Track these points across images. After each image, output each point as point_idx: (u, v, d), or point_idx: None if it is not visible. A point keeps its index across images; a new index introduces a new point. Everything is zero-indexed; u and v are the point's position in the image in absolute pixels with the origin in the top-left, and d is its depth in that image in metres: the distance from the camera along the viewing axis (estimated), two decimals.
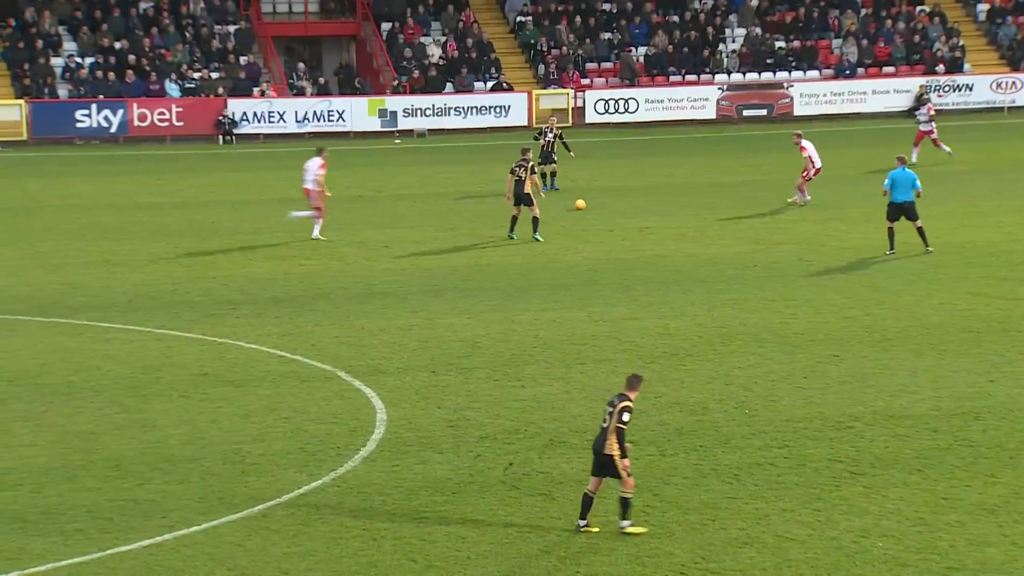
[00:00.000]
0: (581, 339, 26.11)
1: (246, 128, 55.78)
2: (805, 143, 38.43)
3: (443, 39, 61.32)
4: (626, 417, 17.03)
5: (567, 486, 18.94)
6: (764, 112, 58.83)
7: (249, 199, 42.55)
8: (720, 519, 17.74)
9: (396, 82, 58.52)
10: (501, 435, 20.99)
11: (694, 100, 59.19)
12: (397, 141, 55.87)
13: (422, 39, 61.14)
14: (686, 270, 31.64)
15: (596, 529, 17.40)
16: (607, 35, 62.26)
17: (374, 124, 56.91)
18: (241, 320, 27.79)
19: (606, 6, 63.49)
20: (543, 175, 41.17)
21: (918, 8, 64.47)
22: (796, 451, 19.84)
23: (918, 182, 31.97)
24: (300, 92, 57.96)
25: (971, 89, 60.16)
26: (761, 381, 23.40)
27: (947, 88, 59.96)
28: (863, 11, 64.31)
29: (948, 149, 45.60)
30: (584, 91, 58.86)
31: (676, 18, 63.09)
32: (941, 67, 61.09)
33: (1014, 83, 59.89)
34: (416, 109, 57.36)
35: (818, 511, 18.01)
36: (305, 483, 19.11)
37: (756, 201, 39.86)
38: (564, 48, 61.07)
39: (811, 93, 59.57)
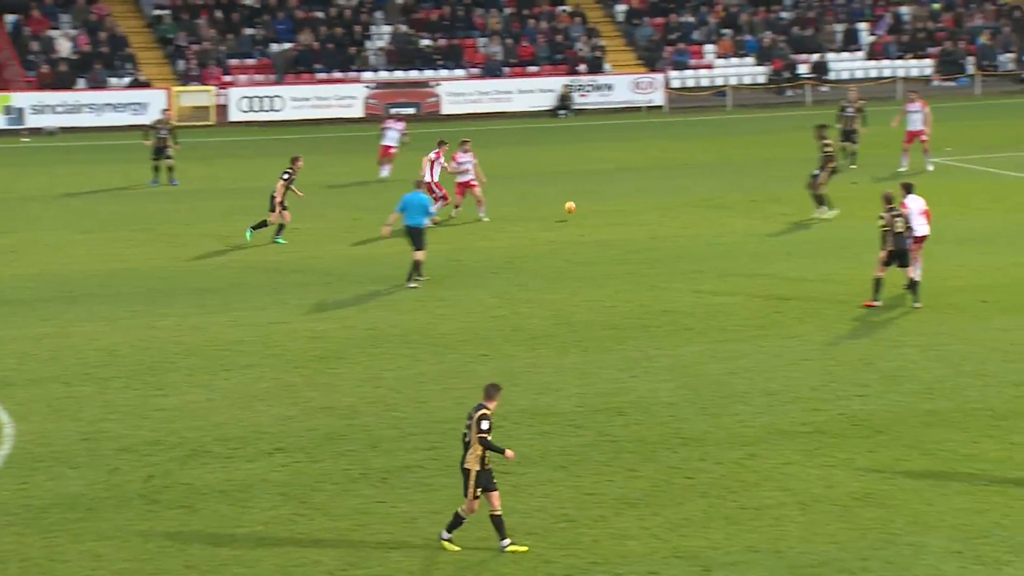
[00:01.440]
0: (226, 344, 25.42)
1: None
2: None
3: (74, 32, 59.00)
4: (484, 425, 16.69)
5: (210, 497, 18.45)
6: (412, 111, 58.91)
7: None
8: (369, 524, 17.63)
9: None
10: (140, 446, 20.33)
11: (341, 98, 58.80)
12: (25, 140, 53.39)
13: (50, 32, 58.64)
14: (337, 271, 31.22)
15: (456, 548, 16.88)
16: (250, 31, 61.17)
17: None
18: None
19: (248, 0, 62.34)
20: (157, 168, 42.36)
21: (559, 8, 65.79)
22: (445, 453, 19.76)
23: (432, 207, 30.58)
24: None
25: (611, 89, 61.80)
26: (411, 383, 23.27)
27: (589, 88, 61.42)
28: (506, 10, 65.18)
29: (385, 174, 42.56)
30: (227, 88, 57.64)
31: (321, 14, 62.54)
32: (583, 67, 62.54)
33: (651, 83, 61.82)
34: (45, 106, 54.97)
35: None
36: None
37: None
38: (204, 43, 59.64)
39: (458, 92, 60.00)
